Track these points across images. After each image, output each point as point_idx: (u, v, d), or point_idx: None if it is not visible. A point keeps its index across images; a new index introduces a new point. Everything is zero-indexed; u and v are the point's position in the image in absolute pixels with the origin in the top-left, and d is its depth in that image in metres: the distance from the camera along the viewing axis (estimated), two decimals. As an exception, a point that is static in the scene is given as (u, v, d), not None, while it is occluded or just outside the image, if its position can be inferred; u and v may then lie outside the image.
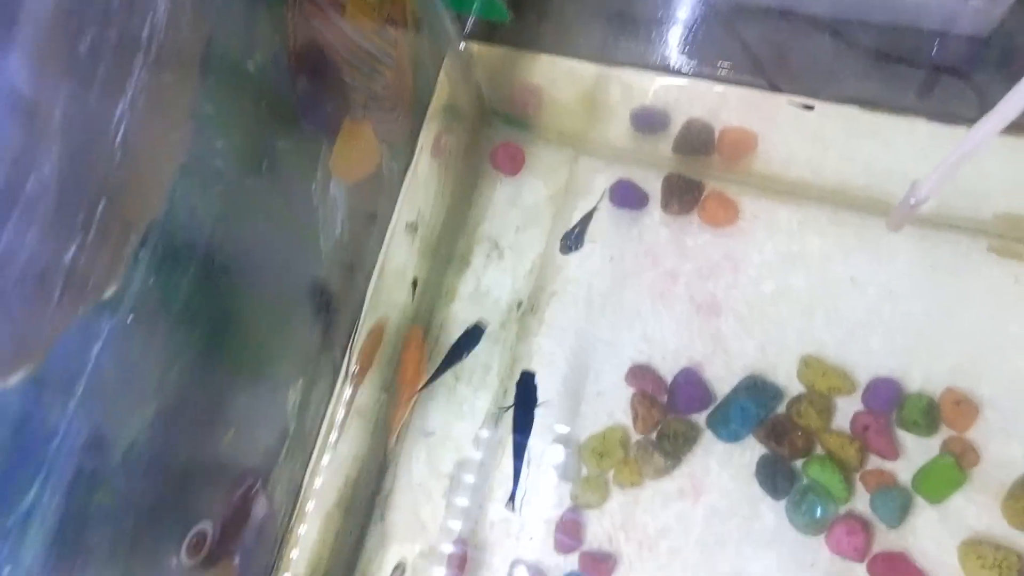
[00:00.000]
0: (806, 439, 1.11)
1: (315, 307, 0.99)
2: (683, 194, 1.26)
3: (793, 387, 1.15)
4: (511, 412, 1.08)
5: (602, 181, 1.29)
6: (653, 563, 1.10)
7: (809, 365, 1.14)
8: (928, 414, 1.09)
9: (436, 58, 1.21)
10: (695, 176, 1.27)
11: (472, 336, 1.19)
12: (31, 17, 0.49)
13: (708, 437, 1.14)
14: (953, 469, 1.07)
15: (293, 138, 0.84)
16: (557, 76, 1.28)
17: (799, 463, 1.11)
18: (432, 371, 1.18)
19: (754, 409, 1.12)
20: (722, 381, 1.16)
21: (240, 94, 0.74)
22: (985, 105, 0.83)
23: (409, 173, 1.19)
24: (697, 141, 1.26)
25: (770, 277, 1.21)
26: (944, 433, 1.10)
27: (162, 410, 0.72)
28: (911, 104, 1.18)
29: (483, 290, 1.27)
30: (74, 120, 0.54)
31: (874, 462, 1.10)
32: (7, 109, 0.49)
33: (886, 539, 1.07)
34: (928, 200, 0.96)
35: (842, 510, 1.08)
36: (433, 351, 1.23)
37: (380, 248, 1.15)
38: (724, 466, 1.13)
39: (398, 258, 1.19)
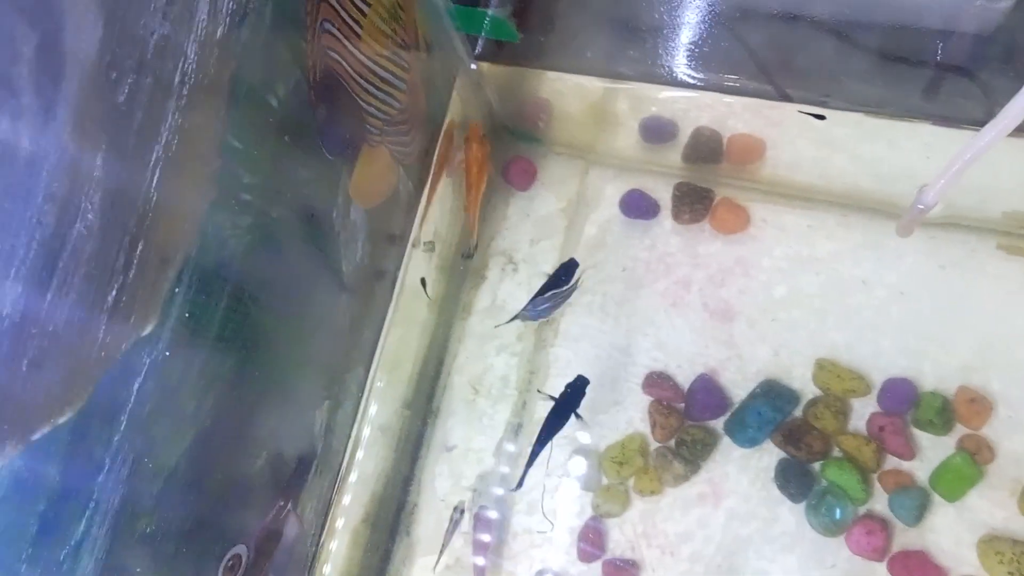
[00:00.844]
0: (823, 442, 1.12)
1: (339, 329, 1.01)
2: (693, 202, 1.28)
3: (808, 390, 1.16)
4: (550, 405, 1.08)
5: (613, 192, 1.31)
6: (676, 569, 1.12)
7: (824, 368, 1.16)
8: (943, 413, 1.11)
9: (448, 78, 1.24)
10: (705, 184, 1.28)
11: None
12: (75, 73, 0.51)
13: (726, 443, 1.16)
14: (969, 466, 1.08)
15: (314, 167, 0.87)
16: (566, 91, 1.30)
17: (817, 466, 1.13)
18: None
19: (770, 414, 1.14)
20: (738, 387, 1.18)
21: (264, 129, 0.76)
22: (991, 102, 0.83)
23: (425, 192, 1.21)
24: (706, 149, 1.28)
25: (781, 282, 1.23)
26: (959, 431, 1.11)
27: (198, 438, 0.75)
28: (917, 104, 1.19)
29: (499, 304, 1.29)
30: (114, 167, 0.56)
31: (891, 462, 1.11)
32: (55, 161, 0.51)
33: (905, 538, 1.08)
34: (935, 205, 0.98)
35: (861, 511, 1.10)
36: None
37: (400, 267, 1.18)
38: (743, 471, 1.15)
39: (417, 275, 1.21)
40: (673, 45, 1.27)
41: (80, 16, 0.51)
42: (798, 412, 1.15)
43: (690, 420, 1.17)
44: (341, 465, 1.09)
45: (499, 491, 1.20)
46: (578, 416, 1.09)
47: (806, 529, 1.10)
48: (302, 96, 0.81)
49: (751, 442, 1.15)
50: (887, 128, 1.19)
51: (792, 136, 1.24)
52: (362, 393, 1.11)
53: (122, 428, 0.63)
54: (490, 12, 1.20)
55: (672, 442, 1.17)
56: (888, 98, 1.20)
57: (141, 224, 0.60)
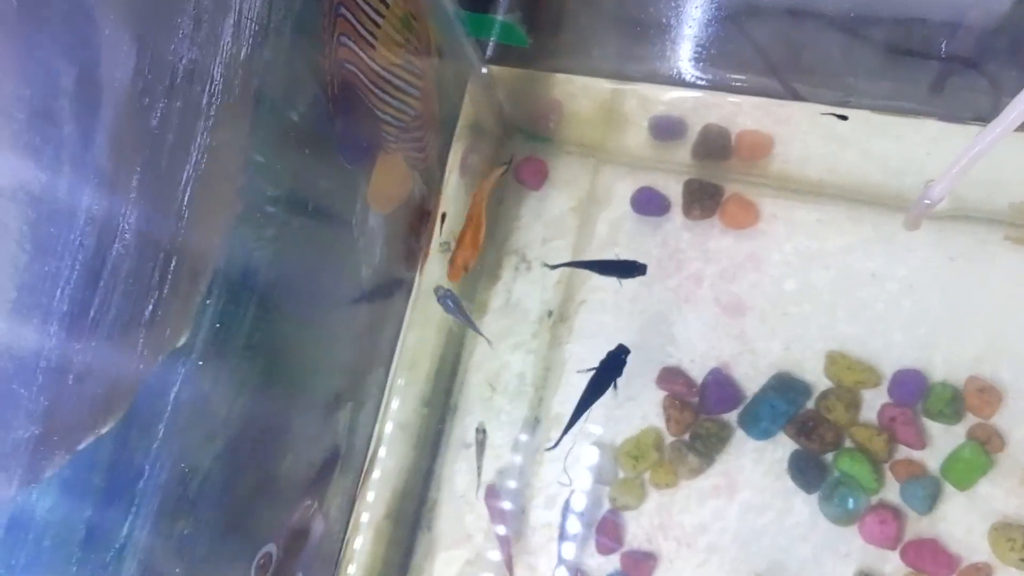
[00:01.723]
0: (835, 433, 1.14)
1: (360, 331, 1.04)
2: (704, 198, 1.29)
3: (820, 383, 1.18)
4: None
5: (624, 189, 1.33)
6: (693, 560, 1.15)
7: (835, 360, 1.18)
8: (953, 403, 1.12)
9: (460, 83, 1.26)
10: (714, 180, 1.30)
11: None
12: (111, 100, 0.54)
13: (740, 436, 1.18)
14: (980, 455, 1.10)
15: (333, 177, 0.89)
16: (576, 92, 1.32)
17: (829, 457, 1.15)
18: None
19: (783, 406, 1.16)
20: (750, 380, 1.20)
21: (286, 143, 0.78)
22: (998, 95, 0.84)
23: (439, 194, 1.24)
24: (715, 146, 1.30)
25: (792, 276, 1.25)
26: (969, 420, 1.13)
27: (229, 441, 0.77)
28: (924, 97, 1.20)
29: (513, 302, 1.32)
30: (149, 187, 0.59)
31: (902, 452, 1.13)
32: (95, 184, 0.54)
33: (917, 526, 1.10)
34: (942, 200, 0.99)
35: (873, 500, 1.12)
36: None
37: (416, 269, 1.20)
38: (757, 463, 1.17)
39: (433, 277, 1.24)
40: (680, 45, 1.29)
41: (115, 47, 0.53)
42: (810, 404, 1.17)
43: (704, 414, 1.20)
44: (364, 463, 1.12)
45: (514, 485, 1.22)
46: (615, 387, 1.10)
47: (820, 519, 1.13)
48: (321, 109, 0.84)
49: (764, 434, 1.17)
50: (895, 124, 1.21)
51: (800, 132, 1.26)
52: (383, 393, 1.14)
53: (160, 435, 0.66)
54: (500, 17, 1.22)
55: (687, 436, 1.19)
56: (896, 93, 1.21)
57: (174, 241, 0.63)
